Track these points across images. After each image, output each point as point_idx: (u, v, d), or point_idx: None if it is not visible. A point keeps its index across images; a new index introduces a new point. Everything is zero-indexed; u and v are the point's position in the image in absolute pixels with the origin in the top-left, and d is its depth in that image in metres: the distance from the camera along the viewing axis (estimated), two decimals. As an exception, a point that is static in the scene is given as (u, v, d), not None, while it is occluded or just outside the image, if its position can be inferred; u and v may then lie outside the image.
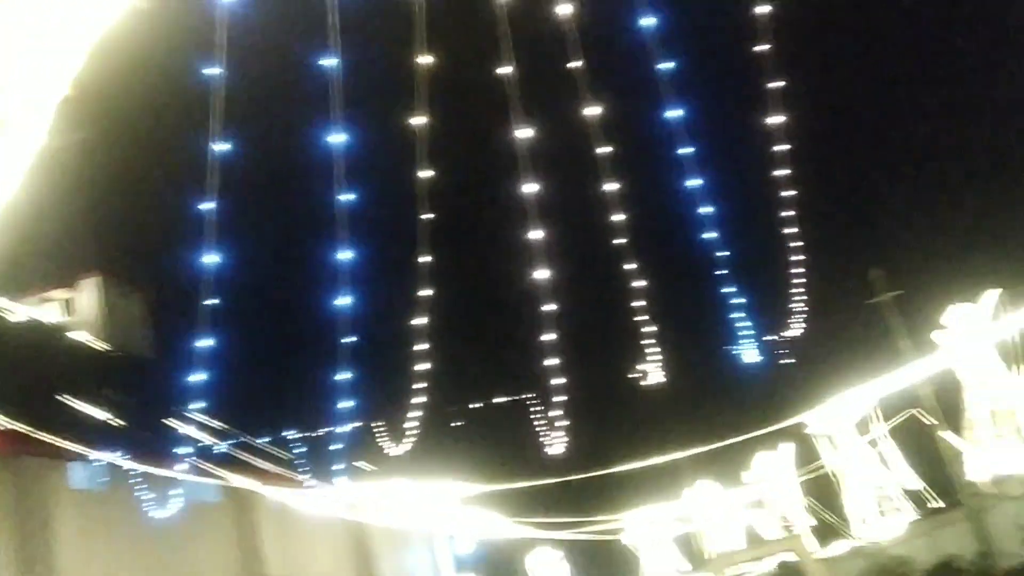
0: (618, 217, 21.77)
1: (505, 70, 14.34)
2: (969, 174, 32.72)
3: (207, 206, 15.74)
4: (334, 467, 24.50)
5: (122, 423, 17.73)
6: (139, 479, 18.80)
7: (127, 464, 17.66)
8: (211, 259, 16.49)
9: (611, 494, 27.74)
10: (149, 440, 18.18)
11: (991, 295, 20.76)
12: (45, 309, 29.65)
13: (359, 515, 24.24)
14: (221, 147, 14.00)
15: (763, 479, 26.38)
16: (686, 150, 19.90)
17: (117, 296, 29.30)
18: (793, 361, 33.83)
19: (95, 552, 18.13)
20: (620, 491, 27.96)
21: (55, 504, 17.32)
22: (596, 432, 32.76)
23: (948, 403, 21.96)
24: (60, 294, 30.42)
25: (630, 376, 33.52)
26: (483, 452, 31.09)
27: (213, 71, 11.91)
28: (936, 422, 21.75)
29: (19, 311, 24.11)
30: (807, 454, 25.76)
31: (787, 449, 25.62)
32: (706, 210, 22.11)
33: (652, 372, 33.19)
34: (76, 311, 30.22)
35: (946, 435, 21.42)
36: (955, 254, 28.27)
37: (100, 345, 25.18)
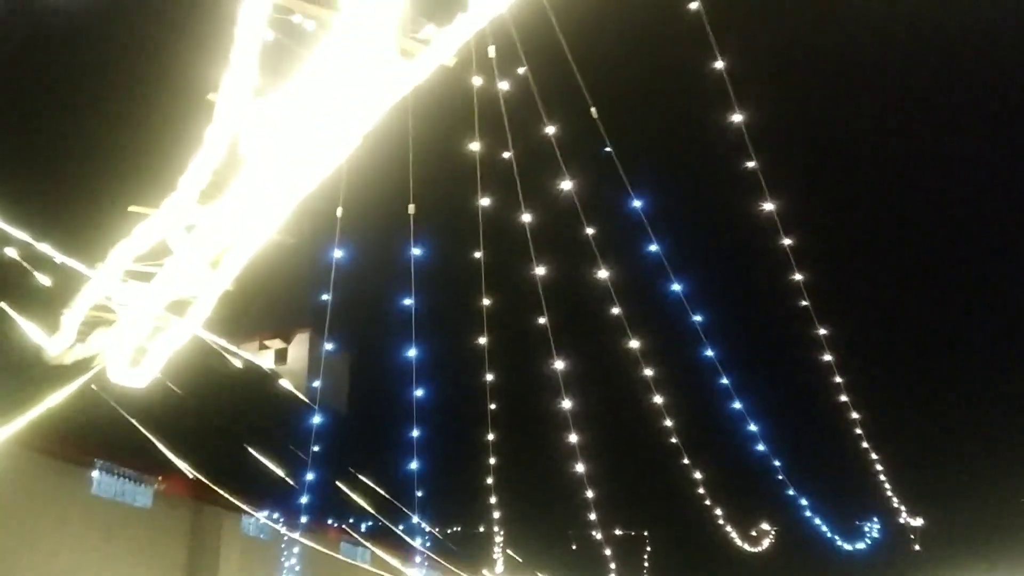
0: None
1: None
2: None
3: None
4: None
5: (294, 483, 19.93)
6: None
7: (287, 527, 19.91)
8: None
9: None
10: (315, 506, 20.07)
11: None
12: (262, 355, 33.62)
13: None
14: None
15: None
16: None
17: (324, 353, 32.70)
18: (925, 550, 32.33)
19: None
20: None
21: (226, 546, 19.95)
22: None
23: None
24: (276, 343, 34.24)
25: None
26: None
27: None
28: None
29: (241, 354, 27.49)
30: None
31: None
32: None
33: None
34: (288, 361, 33.92)
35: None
36: None
37: (302, 396, 28.11)
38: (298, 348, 33.44)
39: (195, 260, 6.50)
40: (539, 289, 12.42)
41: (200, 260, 6.43)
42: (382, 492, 22.56)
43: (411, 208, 9.77)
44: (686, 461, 22.79)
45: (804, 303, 16.81)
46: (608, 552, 27.74)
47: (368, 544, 22.80)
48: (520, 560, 26.57)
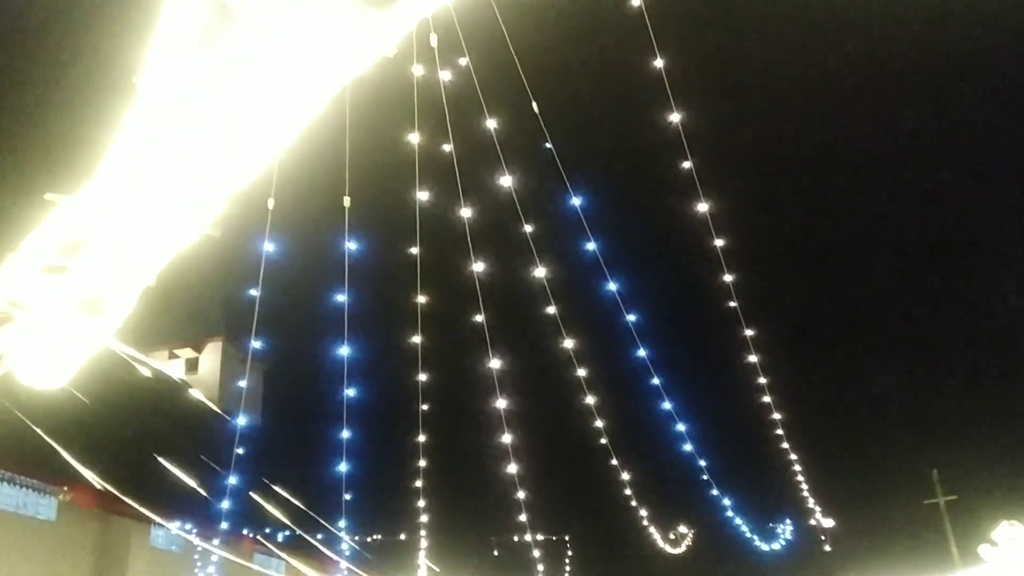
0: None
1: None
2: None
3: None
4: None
5: (205, 493, 19.33)
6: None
7: (198, 538, 19.31)
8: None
9: None
10: (227, 517, 19.54)
11: (1048, 520, 20.46)
12: (172, 365, 32.66)
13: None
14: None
15: None
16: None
17: (237, 362, 31.98)
18: (833, 550, 33.33)
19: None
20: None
21: (134, 559, 19.36)
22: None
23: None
24: (187, 352, 33.32)
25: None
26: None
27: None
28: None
29: (150, 363, 26.65)
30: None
31: None
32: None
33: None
34: (199, 370, 33.07)
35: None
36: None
37: (213, 406, 27.41)
38: (210, 357, 32.77)
39: (115, 253, 5.97)
40: (476, 286, 12.07)
41: (120, 254, 5.94)
42: (295, 502, 22.05)
43: (346, 201, 9.32)
44: (614, 462, 22.73)
45: (732, 304, 16.92)
46: (536, 554, 27.57)
47: (283, 555, 22.29)
48: (437, 570, 26.22)
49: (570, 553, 34.81)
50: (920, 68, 26.65)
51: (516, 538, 28.03)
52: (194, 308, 31.29)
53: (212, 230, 6.70)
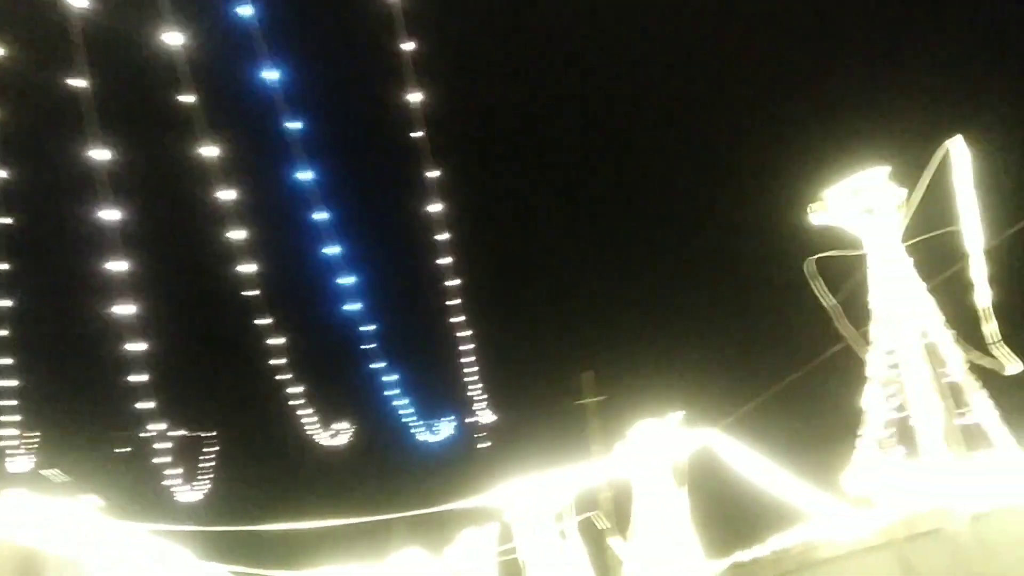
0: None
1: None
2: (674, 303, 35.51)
3: None
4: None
5: None
6: None
7: None
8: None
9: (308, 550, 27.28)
10: None
11: (674, 416, 22.12)
12: None
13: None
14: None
15: (464, 555, 26.83)
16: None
17: None
18: (491, 444, 34.97)
19: None
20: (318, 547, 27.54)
21: None
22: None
23: (628, 510, 23.12)
24: None
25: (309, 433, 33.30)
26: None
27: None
28: (608, 526, 22.86)
29: None
30: (506, 538, 26.40)
31: (491, 529, 26.13)
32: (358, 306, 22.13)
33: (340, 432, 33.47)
34: None
35: (614, 541, 22.50)
36: (661, 370, 30.28)
37: None
38: None
39: None
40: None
41: None
42: None
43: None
44: (265, 320, 20.96)
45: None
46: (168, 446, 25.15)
47: None
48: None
49: (212, 448, 32.83)
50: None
51: (142, 433, 25.22)
52: None
53: None
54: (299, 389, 26.17)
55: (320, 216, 16.66)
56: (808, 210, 17.77)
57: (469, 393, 30.63)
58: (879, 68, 29.83)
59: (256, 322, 20.84)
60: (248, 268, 17.76)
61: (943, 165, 16.93)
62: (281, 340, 22.00)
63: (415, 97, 10.18)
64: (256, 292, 18.81)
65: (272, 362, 23.31)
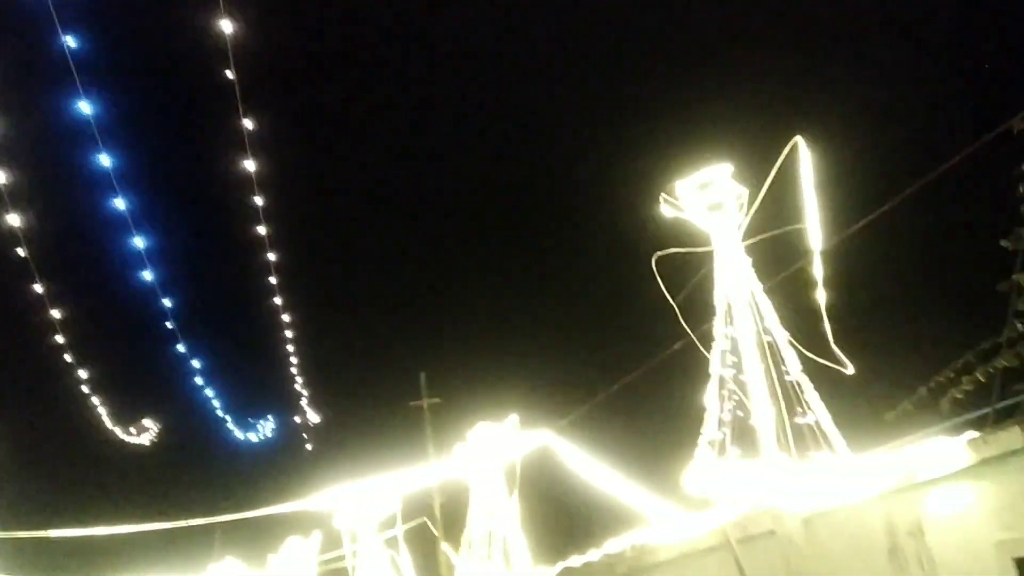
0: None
1: None
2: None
3: None
4: None
5: None
6: None
7: None
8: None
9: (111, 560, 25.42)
10: None
11: (511, 419, 21.50)
12: None
13: None
14: None
15: (286, 564, 25.83)
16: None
17: None
18: (322, 446, 33.79)
19: None
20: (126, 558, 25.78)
21: None
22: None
23: (460, 516, 22.41)
24: None
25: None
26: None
27: None
28: (438, 534, 22.08)
29: None
30: (333, 546, 25.39)
31: (314, 536, 25.23)
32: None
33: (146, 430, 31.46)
34: None
35: (446, 548, 21.71)
36: (501, 370, 29.88)
37: None
38: None
39: None
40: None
41: None
42: None
43: None
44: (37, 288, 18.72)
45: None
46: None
47: None
48: None
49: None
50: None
51: None
52: None
53: None
54: (86, 374, 23.78)
55: (104, 162, 14.66)
56: (660, 199, 17.41)
57: (295, 388, 29.08)
58: (727, 60, 30.51)
59: (25, 289, 18.48)
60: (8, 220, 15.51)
61: (787, 164, 16.94)
62: (58, 313, 19.59)
63: (225, 26, 8.73)
64: (21, 251, 16.48)
65: (53, 340, 20.88)
